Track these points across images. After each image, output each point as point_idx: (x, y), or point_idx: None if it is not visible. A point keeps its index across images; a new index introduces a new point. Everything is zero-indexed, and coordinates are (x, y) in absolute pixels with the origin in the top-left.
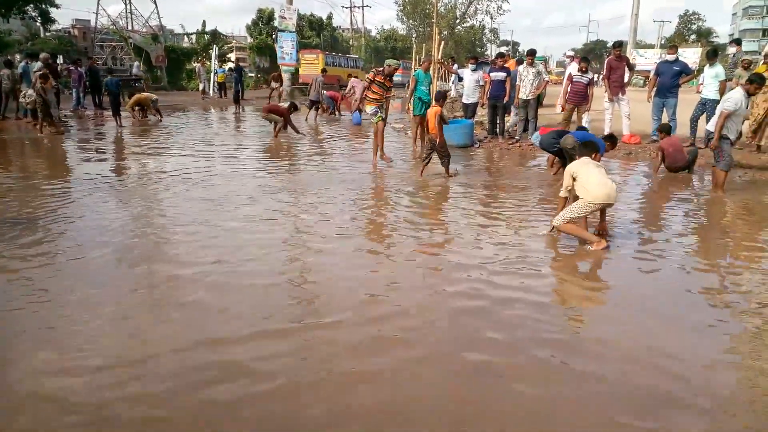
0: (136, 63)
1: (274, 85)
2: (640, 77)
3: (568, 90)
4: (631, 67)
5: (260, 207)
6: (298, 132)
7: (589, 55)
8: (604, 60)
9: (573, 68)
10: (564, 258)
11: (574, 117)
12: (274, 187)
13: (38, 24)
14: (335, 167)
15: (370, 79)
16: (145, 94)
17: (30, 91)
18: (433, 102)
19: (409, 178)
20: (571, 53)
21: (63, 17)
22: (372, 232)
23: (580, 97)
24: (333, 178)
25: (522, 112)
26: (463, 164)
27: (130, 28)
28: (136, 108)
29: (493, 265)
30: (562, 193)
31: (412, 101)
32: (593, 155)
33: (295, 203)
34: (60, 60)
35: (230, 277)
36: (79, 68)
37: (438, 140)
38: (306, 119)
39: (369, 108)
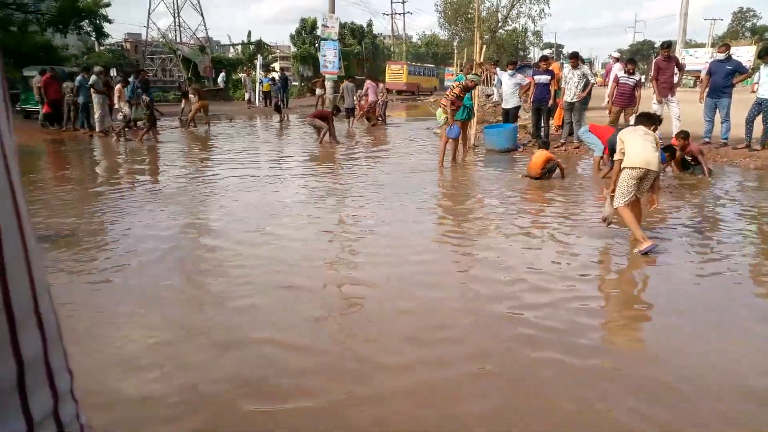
0: (222, 74)
1: (318, 91)
2: (690, 77)
3: (615, 92)
4: (681, 68)
5: (306, 211)
6: (336, 141)
7: (635, 55)
8: (652, 60)
9: (617, 69)
10: (613, 262)
11: (622, 119)
12: (323, 192)
13: (93, 39)
14: (401, 170)
15: (456, 94)
16: (206, 102)
17: (124, 105)
18: (541, 148)
19: (475, 179)
20: (617, 54)
21: (116, 31)
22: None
23: (626, 99)
24: (400, 182)
25: (567, 115)
26: (507, 167)
27: (178, 40)
28: (197, 114)
29: (544, 271)
30: (617, 156)
31: None
32: (649, 127)
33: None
34: (113, 73)
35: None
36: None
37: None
38: (350, 128)
39: (442, 116)
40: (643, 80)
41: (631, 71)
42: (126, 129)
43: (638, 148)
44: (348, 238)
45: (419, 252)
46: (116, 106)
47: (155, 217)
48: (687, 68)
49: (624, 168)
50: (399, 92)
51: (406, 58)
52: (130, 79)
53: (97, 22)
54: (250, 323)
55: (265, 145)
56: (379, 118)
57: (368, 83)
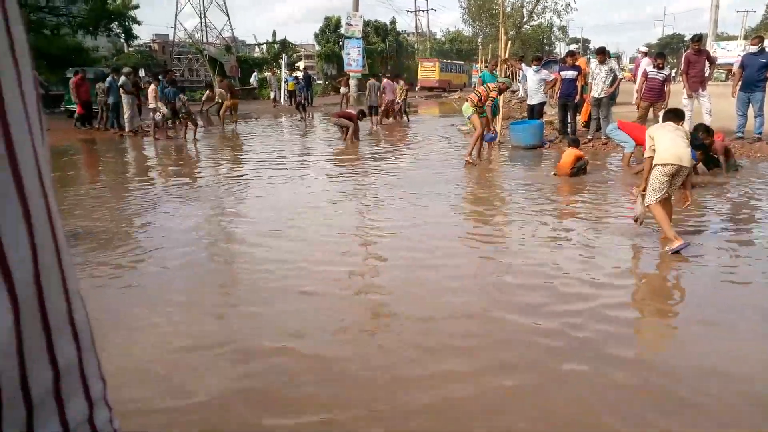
0: (254, 74)
1: (343, 90)
2: (721, 71)
3: (643, 87)
4: (712, 61)
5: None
6: (358, 140)
7: (665, 49)
8: (682, 54)
9: (646, 64)
10: (644, 262)
11: (651, 115)
12: (345, 192)
13: (122, 40)
14: (429, 166)
15: (492, 97)
16: (237, 101)
17: (161, 105)
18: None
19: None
20: (645, 49)
21: (144, 33)
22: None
23: (655, 94)
24: (432, 177)
25: (594, 110)
26: (533, 164)
27: (205, 40)
28: (226, 112)
29: (572, 275)
30: (647, 153)
31: None
32: (678, 122)
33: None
34: (141, 73)
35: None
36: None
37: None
38: (373, 126)
39: (470, 109)
40: (673, 74)
41: (660, 66)
42: (156, 128)
43: (668, 143)
44: (370, 240)
45: (442, 255)
46: (151, 105)
47: (180, 216)
48: (718, 62)
49: (655, 165)
50: (430, 89)
51: (429, 55)
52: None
53: (126, 23)
54: (268, 331)
55: (289, 143)
56: (398, 117)
57: (385, 82)
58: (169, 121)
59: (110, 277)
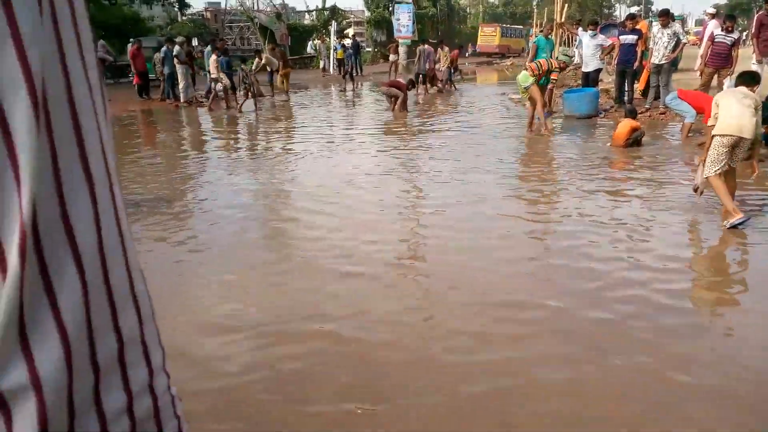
0: (310, 42)
1: (392, 57)
2: None
3: (709, 52)
4: None
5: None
6: (406, 110)
7: (735, 11)
8: (753, 16)
9: (714, 27)
10: (703, 238)
11: (715, 82)
12: (394, 165)
13: (176, 9)
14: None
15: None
16: (290, 69)
17: (223, 75)
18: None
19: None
20: (712, 11)
21: (197, 1)
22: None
23: (722, 60)
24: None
25: (654, 78)
26: (588, 135)
27: (256, 8)
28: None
29: (629, 254)
30: (710, 122)
31: None
32: (751, 87)
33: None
34: (194, 42)
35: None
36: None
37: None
38: (421, 95)
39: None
40: (743, 38)
41: (729, 28)
42: (214, 98)
43: (733, 112)
44: (416, 218)
45: (494, 236)
46: (213, 75)
47: (229, 190)
48: None
49: (714, 135)
50: (489, 54)
51: (483, 19)
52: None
53: None
54: (308, 312)
55: (338, 115)
56: (442, 85)
57: (426, 48)
58: (228, 92)
59: (158, 251)
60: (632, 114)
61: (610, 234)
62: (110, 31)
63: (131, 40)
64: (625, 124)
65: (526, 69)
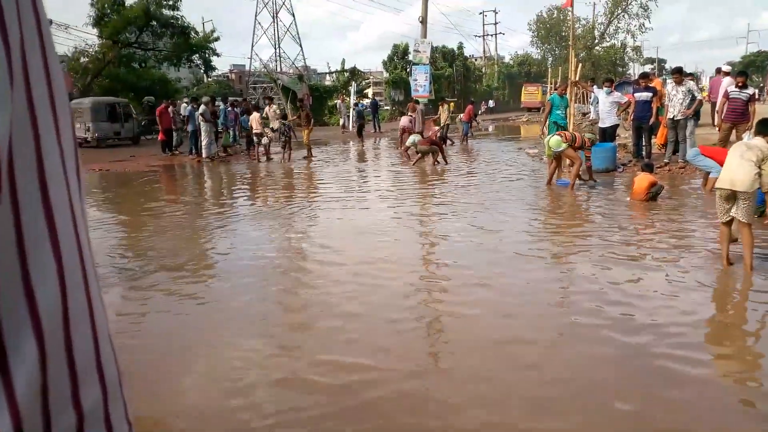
0: (370, 101)
1: (411, 114)
2: None
3: (725, 108)
4: None
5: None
6: (446, 162)
7: (748, 68)
8: (767, 73)
9: (727, 84)
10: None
11: (733, 136)
12: (418, 216)
13: (202, 71)
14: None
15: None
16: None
17: (268, 131)
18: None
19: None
20: (728, 68)
21: (222, 63)
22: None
23: (738, 115)
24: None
25: (671, 133)
26: (607, 189)
27: (279, 70)
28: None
29: (649, 303)
30: (713, 174)
31: (547, 125)
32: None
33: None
34: (219, 102)
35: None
36: (235, 109)
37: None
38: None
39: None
40: (758, 95)
41: (742, 84)
42: (266, 151)
43: (730, 166)
44: (443, 258)
45: (516, 291)
46: (257, 130)
47: (252, 239)
48: None
49: (714, 187)
50: (532, 109)
51: (498, 79)
52: (220, 106)
53: (207, 55)
54: (343, 359)
55: (359, 168)
56: (446, 144)
57: (410, 106)
58: (267, 146)
59: (179, 298)
60: (649, 168)
61: (632, 287)
62: (140, 92)
63: (144, 99)
64: (643, 179)
65: (560, 136)
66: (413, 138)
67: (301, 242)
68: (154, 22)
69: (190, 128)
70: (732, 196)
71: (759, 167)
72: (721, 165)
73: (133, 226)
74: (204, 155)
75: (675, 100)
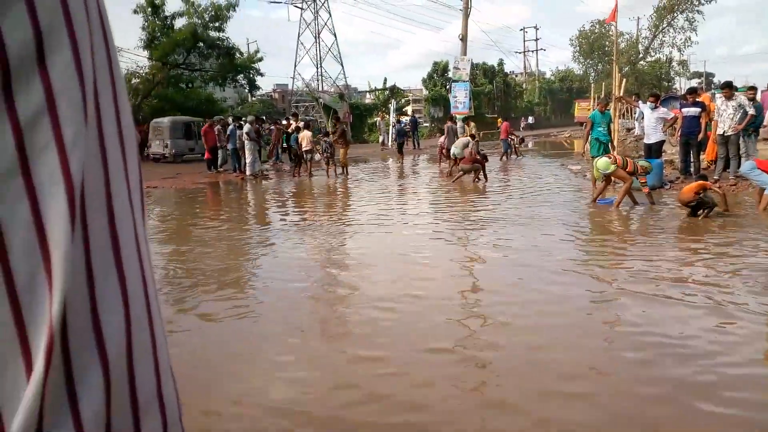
0: (409, 119)
1: (441, 140)
2: None
3: None
4: None
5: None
6: (486, 179)
7: None
8: None
9: None
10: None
11: None
12: (454, 235)
13: (246, 90)
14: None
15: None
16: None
17: (317, 149)
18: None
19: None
20: None
21: (266, 83)
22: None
23: None
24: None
25: (722, 149)
26: (654, 206)
27: (320, 89)
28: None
29: (693, 335)
30: None
31: (589, 143)
32: None
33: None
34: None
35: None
36: (277, 126)
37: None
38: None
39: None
40: None
41: None
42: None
43: None
44: (482, 280)
45: (556, 313)
46: (306, 148)
47: (290, 259)
48: None
49: None
50: (581, 124)
51: (539, 95)
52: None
53: (251, 75)
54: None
55: (397, 183)
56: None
57: (451, 125)
58: (311, 162)
59: (220, 319)
60: (703, 178)
61: (675, 311)
62: (187, 112)
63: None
64: (694, 184)
65: (609, 158)
66: (455, 150)
67: (343, 261)
68: (201, 44)
69: (230, 146)
70: None
71: None
72: None
73: (176, 241)
74: (248, 173)
75: (725, 115)
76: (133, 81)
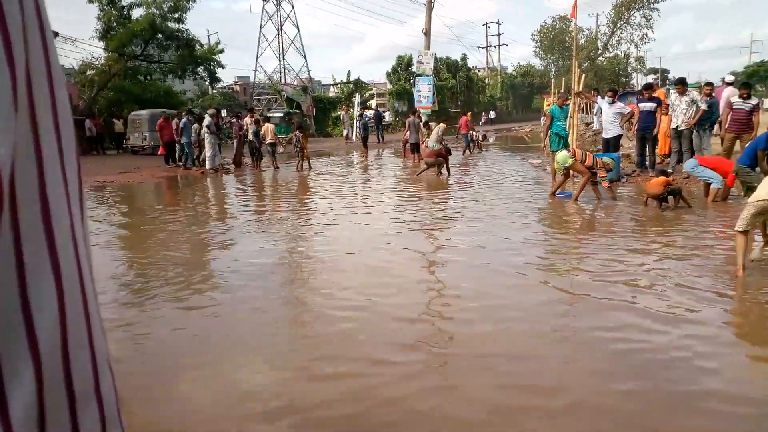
0: (388, 111)
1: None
2: None
3: (728, 118)
4: None
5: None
6: (449, 173)
7: (752, 78)
8: None
9: (730, 94)
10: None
11: (737, 146)
12: (418, 226)
13: (207, 83)
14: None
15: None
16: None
17: (281, 137)
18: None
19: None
20: (731, 78)
21: (227, 75)
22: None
23: (742, 125)
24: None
25: (675, 143)
26: (612, 199)
27: (283, 81)
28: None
29: (656, 317)
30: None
31: (548, 137)
32: None
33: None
34: (224, 114)
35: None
36: (239, 121)
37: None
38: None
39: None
40: (761, 105)
41: (745, 95)
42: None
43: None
44: (446, 276)
45: (523, 307)
46: (270, 140)
47: (256, 249)
48: None
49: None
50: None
51: (501, 90)
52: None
53: (211, 68)
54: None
55: (362, 179)
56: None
57: (414, 119)
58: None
59: (187, 311)
60: (664, 174)
61: (639, 301)
62: (145, 104)
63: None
64: (661, 179)
65: (568, 151)
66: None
67: (308, 252)
68: (160, 35)
69: (183, 140)
70: (763, 210)
71: None
72: (723, 175)
73: (135, 238)
74: (208, 166)
75: (678, 110)
76: (89, 72)
